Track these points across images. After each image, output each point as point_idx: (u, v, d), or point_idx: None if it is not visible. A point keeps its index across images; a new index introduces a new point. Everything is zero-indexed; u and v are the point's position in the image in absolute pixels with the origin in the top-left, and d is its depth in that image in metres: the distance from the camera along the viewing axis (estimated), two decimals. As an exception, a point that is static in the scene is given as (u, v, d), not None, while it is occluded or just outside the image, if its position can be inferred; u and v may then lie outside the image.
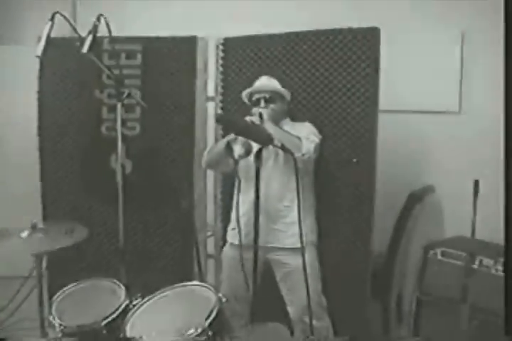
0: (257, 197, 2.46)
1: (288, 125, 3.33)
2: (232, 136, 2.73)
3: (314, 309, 3.29)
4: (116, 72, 3.52)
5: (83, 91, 3.93)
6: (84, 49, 2.83)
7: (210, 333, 2.38)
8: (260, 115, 3.10)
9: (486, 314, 3.07)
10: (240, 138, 2.60)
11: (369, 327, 3.71)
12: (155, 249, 3.98)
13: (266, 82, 3.38)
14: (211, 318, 2.40)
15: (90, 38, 2.83)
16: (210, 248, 4.05)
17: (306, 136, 3.16)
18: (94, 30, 2.85)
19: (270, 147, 2.71)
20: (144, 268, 3.86)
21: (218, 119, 2.41)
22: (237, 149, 2.57)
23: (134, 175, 3.84)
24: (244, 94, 3.37)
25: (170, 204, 3.85)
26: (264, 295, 3.31)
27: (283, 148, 2.47)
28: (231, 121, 2.56)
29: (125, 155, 3.84)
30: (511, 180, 2.55)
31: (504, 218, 2.60)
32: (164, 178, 3.92)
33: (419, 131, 4.23)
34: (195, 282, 2.72)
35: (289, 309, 3.37)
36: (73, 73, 3.92)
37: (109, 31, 3.01)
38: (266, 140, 2.40)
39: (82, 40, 2.86)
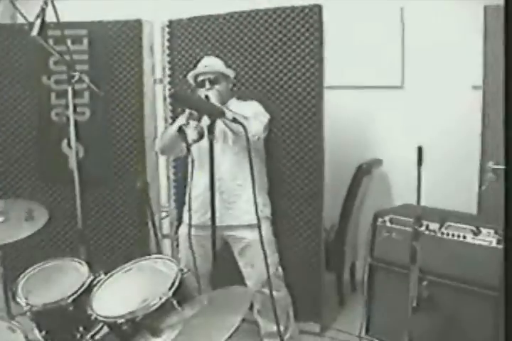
0: (212, 173, 2.51)
1: (234, 104, 3.37)
2: (183, 120, 2.77)
3: (272, 280, 3.40)
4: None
5: (31, 78, 3.94)
6: (34, 32, 2.84)
7: (174, 302, 2.45)
8: (207, 97, 3.15)
9: (434, 275, 3.21)
10: (192, 123, 2.65)
11: (324, 295, 3.85)
12: (111, 229, 4.07)
13: (209, 63, 3.39)
14: (174, 287, 2.47)
15: (39, 21, 2.84)
16: (166, 228, 4.13)
17: (254, 116, 3.21)
18: (43, 13, 2.86)
19: (219, 127, 2.78)
20: (101, 248, 3.94)
21: (172, 95, 2.44)
22: (190, 133, 2.61)
23: (86, 160, 3.86)
24: (190, 76, 3.39)
25: (123, 185, 3.92)
26: (221, 270, 3.43)
27: (235, 120, 2.53)
28: (184, 96, 2.61)
29: (77, 140, 3.86)
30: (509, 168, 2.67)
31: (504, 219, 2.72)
32: (117, 161, 3.99)
33: (364, 106, 4.38)
34: (156, 255, 2.77)
35: (248, 282, 3.44)
36: (19, 60, 3.92)
37: (57, 15, 3.02)
38: (218, 113, 2.46)
39: (31, 25, 2.86)
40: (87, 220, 3.84)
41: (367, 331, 3.60)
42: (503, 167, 3.83)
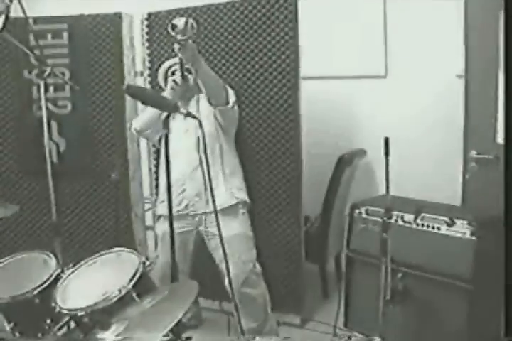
0: (167, 162, 2.49)
1: (204, 98, 3.33)
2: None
3: (249, 277, 3.41)
4: (44, 52, 3.60)
5: (12, 72, 3.96)
6: None
7: (134, 294, 2.47)
8: (175, 82, 3.17)
9: (408, 267, 3.19)
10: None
11: (308, 286, 3.86)
12: (94, 222, 4.10)
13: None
14: (134, 280, 2.49)
15: (3, 17, 2.85)
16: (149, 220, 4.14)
17: None
18: (7, 9, 2.86)
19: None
20: (81, 241, 3.99)
21: (125, 89, 2.43)
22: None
23: (68, 152, 3.92)
24: (161, 70, 3.43)
25: (105, 178, 3.93)
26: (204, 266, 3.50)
27: (189, 115, 2.52)
28: (137, 91, 2.59)
29: (58, 134, 3.91)
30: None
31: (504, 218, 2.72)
32: (99, 154, 4.00)
33: (347, 96, 4.37)
34: (120, 248, 2.79)
35: (226, 279, 3.39)
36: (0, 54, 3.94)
37: (24, 11, 3.02)
38: (172, 108, 2.45)
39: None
40: (69, 213, 3.91)
41: (345, 323, 3.60)
42: (485, 156, 3.83)
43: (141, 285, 2.52)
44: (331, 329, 3.62)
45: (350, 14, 4.26)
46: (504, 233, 2.75)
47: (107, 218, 4.05)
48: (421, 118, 4.17)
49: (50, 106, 3.87)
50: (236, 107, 3.31)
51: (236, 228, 3.36)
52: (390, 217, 2.97)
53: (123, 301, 2.45)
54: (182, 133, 3.30)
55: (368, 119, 4.37)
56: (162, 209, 3.48)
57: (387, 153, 2.90)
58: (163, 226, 3.45)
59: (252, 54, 3.58)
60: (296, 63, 3.51)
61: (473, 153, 3.85)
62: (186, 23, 2.57)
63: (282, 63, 3.52)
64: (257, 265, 3.48)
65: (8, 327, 2.79)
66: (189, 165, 3.28)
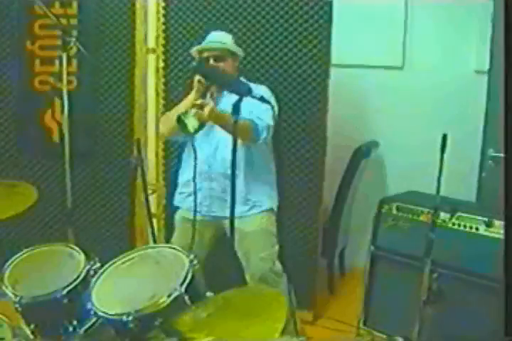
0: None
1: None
2: (181, 109, 2.56)
3: (267, 275, 3.22)
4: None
5: (12, 43, 3.65)
6: None
7: (186, 298, 2.23)
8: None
9: (444, 267, 3.09)
10: (191, 111, 2.42)
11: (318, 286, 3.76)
12: (102, 207, 3.87)
13: (216, 39, 3.09)
14: (186, 282, 2.25)
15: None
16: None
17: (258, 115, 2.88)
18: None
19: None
20: (93, 229, 3.77)
21: (196, 69, 2.20)
22: (191, 122, 2.37)
23: (72, 131, 3.61)
24: (194, 51, 3.09)
25: (110, 160, 3.76)
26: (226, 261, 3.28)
27: (262, 99, 2.31)
28: (210, 70, 2.37)
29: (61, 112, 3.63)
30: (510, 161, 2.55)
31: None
32: (104, 134, 3.77)
33: (362, 86, 4.23)
34: (162, 244, 2.56)
35: (246, 275, 3.25)
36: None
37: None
38: (245, 91, 2.23)
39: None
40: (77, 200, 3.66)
41: (364, 322, 3.49)
42: (502, 155, 3.75)
43: (191, 288, 2.30)
44: (342, 326, 3.56)
45: (370, 3, 4.09)
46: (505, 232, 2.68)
47: (116, 204, 3.84)
48: (436, 113, 4.07)
49: (53, 81, 3.58)
50: (269, 138, 3.02)
51: (256, 224, 3.18)
52: (438, 217, 2.86)
53: (173, 307, 2.22)
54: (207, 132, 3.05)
55: (380, 111, 4.25)
56: (180, 200, 3.30)
57: (443, 150, 2.78)
58: (181, 214, 3.29)
59: (281, 37, 3.39)
60: (327, 49, 3.36)
61: (491, 152, 3.78)
62: None
63: (314, 48, 3.35)
64: (278, 263, 3.27)
65: (28, 330, 2.51)
66: (210, 165, 3.09)
